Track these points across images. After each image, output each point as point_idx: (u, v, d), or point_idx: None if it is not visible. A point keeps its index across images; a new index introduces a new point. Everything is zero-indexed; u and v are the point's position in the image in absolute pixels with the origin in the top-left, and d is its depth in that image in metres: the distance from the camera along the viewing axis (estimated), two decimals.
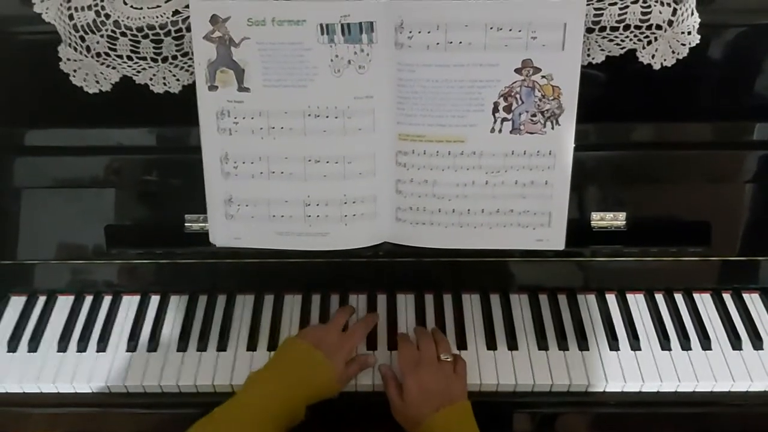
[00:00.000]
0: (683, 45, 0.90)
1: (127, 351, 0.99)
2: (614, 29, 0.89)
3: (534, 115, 0.90)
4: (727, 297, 1.04)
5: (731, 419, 0.97)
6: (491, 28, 0.86)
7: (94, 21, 0.89)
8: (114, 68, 0.93)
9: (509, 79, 0.88)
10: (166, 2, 0.89)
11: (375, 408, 0.92)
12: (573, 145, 0.91)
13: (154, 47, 0.91)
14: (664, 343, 0.98)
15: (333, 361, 0.90)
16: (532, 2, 0.84)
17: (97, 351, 0.99)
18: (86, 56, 0.92)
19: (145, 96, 0.94)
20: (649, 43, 0.90)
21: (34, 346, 0.99)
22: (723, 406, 0.95)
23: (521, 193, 0.93)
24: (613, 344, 0.98)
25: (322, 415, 0.91)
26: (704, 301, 1.03)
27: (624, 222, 1.00)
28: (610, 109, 0.95)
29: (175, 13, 0.89)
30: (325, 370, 0.89)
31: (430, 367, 0.91)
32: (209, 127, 0.92)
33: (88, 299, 1.05)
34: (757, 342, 0.98)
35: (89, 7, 0.89)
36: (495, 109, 0.90)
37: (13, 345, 0.99)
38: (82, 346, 0.99)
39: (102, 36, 0.90)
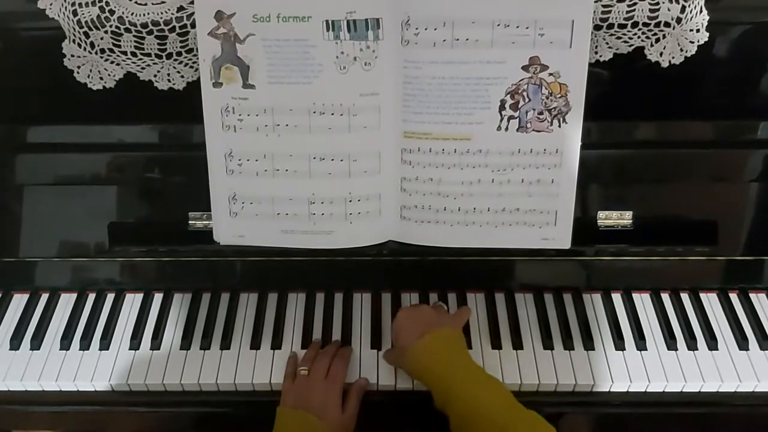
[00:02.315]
0: (691, 42, 0.89)
1: (130, 349, 0.98)
2: (622, 26, 0.89)
3: (541, 113, 0.89)
4: (733, 297, 1.03)
5: (738, 420, 0.97)
6: (498, 25, 0.85)
7: (99, 17, 0.89)
8: (118, 64, 0.92)
9: (516, 77, 0.88)
10: None
11: (399, 407, 0.93)
12: (580, 144, 0.90)
13: (158, 43, 0.91)
14: (670, 343, 0.97)
15: (328, 415, 0.87)
16: None
17: (100, 349, 0.99)
18: (90, 52, 0.91)
19: (150, 93, 0.93)
20: (657, 40, 0.90)
21: (36, 344, 0.99)
22: (729, 407, 0.95)
23: (527, 192, 0.93)
24: (619, 344, 0.97)
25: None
26: (711, 301, 1.03)
27: (630, 221, 0.99)
28: (618, 107, 0.95)
29: (180, 9, 0.89)
30: (325, 430, 0.87)
31: (419, 305, 0.95)
32: (214, 124, 0.91)
33: (91, 297, 1.05)
34: (764, 342, 0.97)
35: (93, 3, 0.89)
36: (502, 107, 0.89)
37: (15, 343, 0.99)
38: (84, 345, 0.99)
39: (106, 32, 0.90)
